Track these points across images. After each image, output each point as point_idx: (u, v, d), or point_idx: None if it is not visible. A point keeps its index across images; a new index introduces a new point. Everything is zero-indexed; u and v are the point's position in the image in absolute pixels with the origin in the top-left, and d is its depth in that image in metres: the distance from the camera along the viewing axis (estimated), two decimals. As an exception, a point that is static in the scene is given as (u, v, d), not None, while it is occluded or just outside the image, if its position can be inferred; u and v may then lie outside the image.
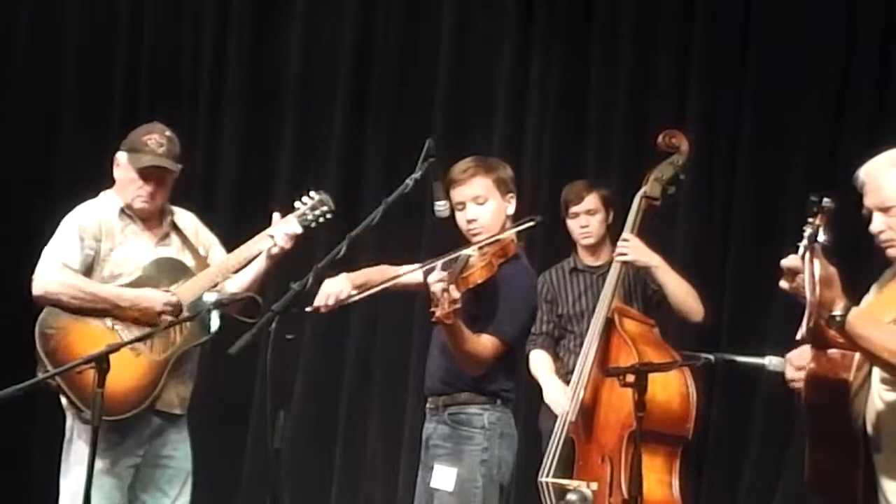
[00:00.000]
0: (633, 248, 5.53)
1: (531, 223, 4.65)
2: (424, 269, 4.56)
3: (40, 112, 7.47)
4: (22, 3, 7.54)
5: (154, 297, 4.97)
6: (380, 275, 4.73)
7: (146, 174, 5.05)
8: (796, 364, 3.68)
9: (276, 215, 5.12)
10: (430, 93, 7.16)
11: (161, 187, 5.09)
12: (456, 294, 4.30)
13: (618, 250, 5.56)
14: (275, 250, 5.07)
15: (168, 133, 5.12)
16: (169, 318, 4.92)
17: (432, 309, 4.31)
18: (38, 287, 4.99)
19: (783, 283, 3.34)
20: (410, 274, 4.70)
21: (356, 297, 4.57)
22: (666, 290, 5.62)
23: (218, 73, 7.48)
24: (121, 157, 5.11)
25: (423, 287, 4.52)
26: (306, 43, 7.39)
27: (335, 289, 4.54)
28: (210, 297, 4.90)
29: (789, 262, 3.33)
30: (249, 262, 5.09)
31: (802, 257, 3.26)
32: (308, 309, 4.50)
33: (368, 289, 4.61)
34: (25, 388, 4.32)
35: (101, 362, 4.25)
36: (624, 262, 5.54)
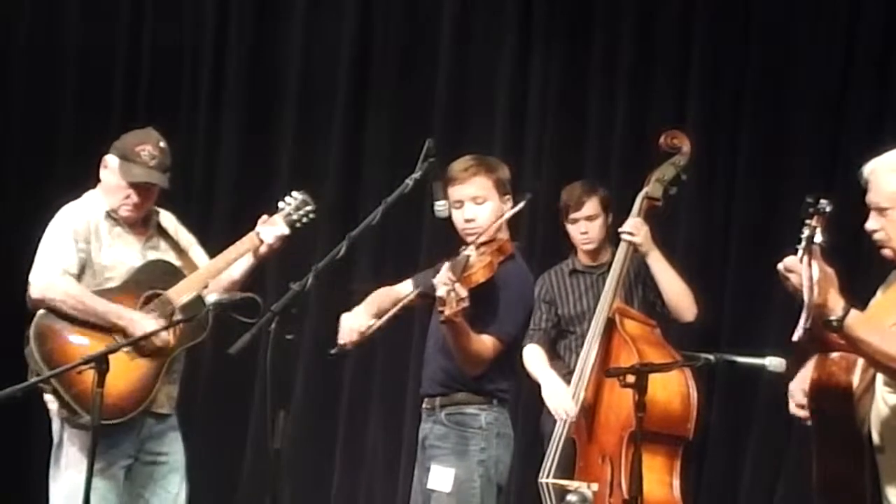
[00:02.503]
0: (641, 231, 5.53)
1: (523, 201, 4.67)
2: (417, 285, 4.63)
3: (40, 112, 7.46)
4: (22, 3, 7.54)
5: (145, 325, 4.93)
6: (386, 296, 4.74)
7: (134, 186, 5.04)
8: (798, 401, 3.69)
9: (263, 217, 5.12)
10: (430, 93, 7.16)
11: (148, 199, 5.08)
12: (463, 292, 4.31)
13: (626, 229, 5.54)
14: (263, 250, 5.07)
15: (162, 144, 5.08)
16: (159, 341, 4.92)
17: (440, 308, 4.32)
18: (38, 291, 4.97)
19: (785, 286, 3.34)
20: (410, 291, 4.76)
21: (376, 326, 4.58)
22: (660, 284, 5.62)
23: (218, 73, 7.48)
24: (111, 161, 5.08)
25: (418, 300, 4.62)
26: (306, 43, 7.39)
27: (356, 323, 4.57)
28: (209, 299, 4.89)
29: (785, 265, 3.33)
30: (236, 262, 5.10)
31: (801, 260, 3.26)
32: (333, 351, 4.56)
33: (384, 314, 4.62)
34: (25, 388, 4.32)
35: (101, 363, 4.26)
36: (629, 243, 5.53)
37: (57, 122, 7.49)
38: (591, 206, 5.80)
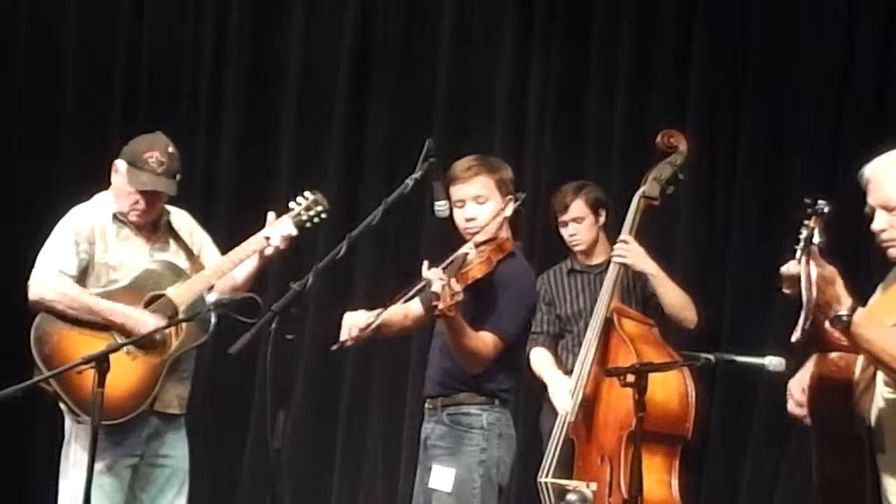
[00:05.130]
0: (631, 252, 5.53)
1: (518, 201, 4.67)
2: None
3: (40, 112, 7.46)
4: (22, 3, 7.54)
5: (144, 320, 4.95)
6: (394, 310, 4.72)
7: (142, 192, 5.04)
8: (797, 399, 3.68)
9: (270, 215, 5.11)
10: (430, 93, 7.16)
11: (155, 204, 5.09)
12: (457, 287, 4.31)
13: (615, 251, 5.55)
14: (269, 251, 5.06)
15: (170, 149, 5.08)
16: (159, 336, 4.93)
17: (434, 303, 4.32)
18: (35, 293, 4.99)
19: (786, 290, 3.33)
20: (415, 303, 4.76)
21: (375, 324, 4.56)
22: (661, 298, 5.62)
23: (218, 73, 7.48)
24: (120, 166, 5.08)
25: (425, 317, 4.63)
26: (306, 43, 7.39)
27: (355, 320, 4.56)
28: (209, 299, 4.89)
29: (787, 270, 3.31)
30: (243, 262, 5.09)
31: (799, 260, 3.25)
32: (334, 347, 4.54)
33: (385, 309, 4.61)
34: (24, 388, 4.32)
35: (101, 362, 4.26)
36: (622, 265, 5.53)
37: (57, 122, 7.49)
38: (577, 208, 5.81)
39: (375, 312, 4.59)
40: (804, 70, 6.56)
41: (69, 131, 7.47)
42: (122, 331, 4.94)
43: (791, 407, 3.72)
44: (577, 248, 5.86)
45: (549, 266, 5.96)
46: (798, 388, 3.69)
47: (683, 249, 6.59)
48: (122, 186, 5.06)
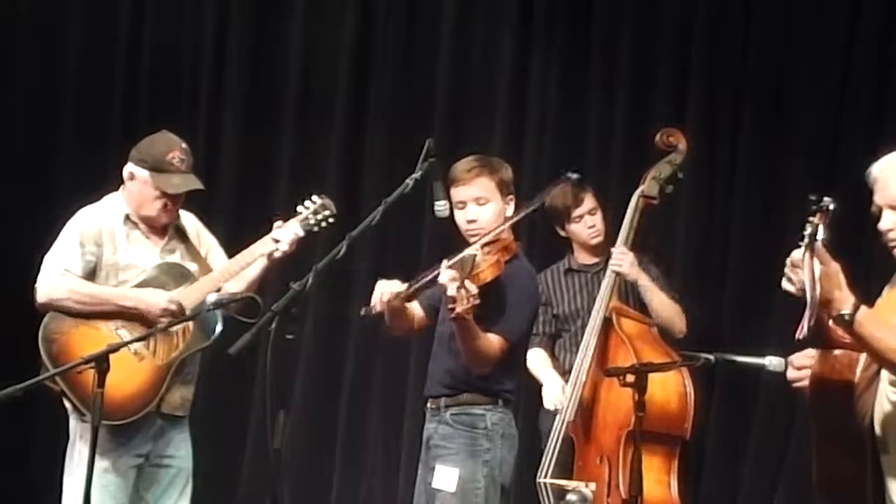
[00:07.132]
0: (625, 262, 5.54)
1: (532, 208, 4.70)
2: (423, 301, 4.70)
3: (40, 113, 7.46)
4: (22, 3, 7.54)
5: (156, 297, 4.97)
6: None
7: (175, 194, 5.05)
8: (797, 364, 3.67)
9: (277, 223, 5.12)
10: (430, 93, 7.16)
11: (180, 201, 5.12)
12: (474, 289, 4.32)
13: (612, 260, 5.56)
14: (277, 254, 5.07)
15: (184, 146, 5.10)
16: (169, 318, 4.93)
17: (450, 306, 4.32)
18: (43, 294, 5.00)
19: (786, 285, 3.32)
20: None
21: (407, 292, 4.59)
22: (651, 307, 5.67)
23: (218, 73, 7.48)
24: (140, 173, 5.06)
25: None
26: (306, 43, 7.39)
27: (389, 286, 4.59)
28: (209, 299, 4.90)
29: (793, 256, 3.29)
30: (251, 265, 5.10)
31: (803, 257, 3.24)
32: (363, 312, 4.56)
33: (417, 283, 4.62)
34: (25, 388, 4.33)
35: (101, 362, 4.26)
36: (617, 273, 5.54)
37: (57, 122, 7.49)
38: (590, 199, 5.85)
39: (408, 285, 4.62)
40: (804, 70, 6.55)
41: (69, 131, 7.47)
42: (135, 315, 4.94)
43: (791, 373, 3.69)
44: (597, 240, 5.86)
45: (548, 266, 5.96)
46: (799, 356, 3.67)
47: (683, 249, 6.59)
48: (147, 192, 5.05)
